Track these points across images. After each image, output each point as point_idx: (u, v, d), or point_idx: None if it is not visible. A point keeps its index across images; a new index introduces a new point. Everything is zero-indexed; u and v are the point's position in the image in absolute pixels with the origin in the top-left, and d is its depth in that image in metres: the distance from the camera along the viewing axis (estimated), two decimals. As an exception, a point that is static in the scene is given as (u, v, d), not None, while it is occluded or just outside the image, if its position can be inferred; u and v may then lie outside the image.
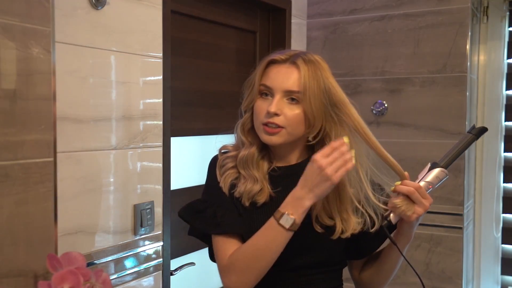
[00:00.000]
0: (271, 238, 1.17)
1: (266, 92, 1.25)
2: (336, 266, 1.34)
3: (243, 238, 1.25)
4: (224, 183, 1.28)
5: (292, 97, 1.23)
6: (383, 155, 1.23)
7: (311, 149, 1.29)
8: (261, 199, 1.26)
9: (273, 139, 1.23)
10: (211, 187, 1.31)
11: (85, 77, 1.51)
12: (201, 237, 1.35)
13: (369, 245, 1.35)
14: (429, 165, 1.27)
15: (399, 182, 1.24)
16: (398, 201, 1.22)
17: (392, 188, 1.24)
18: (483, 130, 1.26)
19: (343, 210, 1.25)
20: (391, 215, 1.24)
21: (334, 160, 1.13)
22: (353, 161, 1.14)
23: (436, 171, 1.25)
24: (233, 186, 1.28)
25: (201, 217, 1.27)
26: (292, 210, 1.15)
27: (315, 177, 1.14)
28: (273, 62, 1.27)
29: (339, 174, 1.13)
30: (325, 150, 1.14)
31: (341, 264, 1.37)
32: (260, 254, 1.18)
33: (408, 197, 1.22)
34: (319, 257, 1.28)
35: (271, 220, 1.17)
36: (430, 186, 1.24)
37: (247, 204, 1.26)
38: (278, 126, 1.22)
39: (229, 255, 1.22)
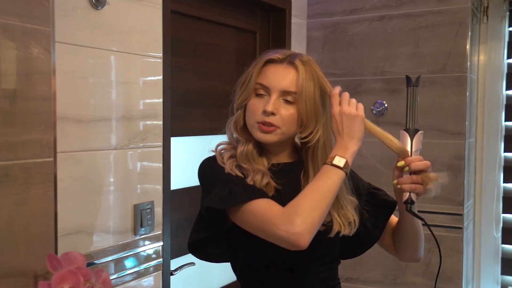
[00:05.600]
0: (330, 179, 1.17)
1: (262, 91, 1.25)
2: (332, 263, 1.35)
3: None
4: (231, 168, 1.25)
5: (287, 97, 1.23)
6: (383, 137, 1.26)
7: (299, 150, 1.33)
8: (269, 192, 1.24)
9: (267, 137, 1.24)
10: (220, 175, 1.25)
11: (85, 77, 1.51)
12: (215, 258, 1.33)
13: (370, 237, 1.36)
14: (405, 133, 1.31)
15: (402, 163, 1.26)
16: (427, 179, 1.24)
17: (400, 163, 1.26)
18: (418, 77, 1.38)
19: (339, 206, 1.26)
20: (412, 196, 1.24)
21: (345, 102, 1.22)
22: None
23: (417, 136, 1.33)
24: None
25: (234, 194, 1.19)
26: (342, 154, 1.19)
27: (343, 122, 1.20)
28: (270, 61, 1.27)
29: (359, 106, 1.23)
30: (335, 100, 1.23)
31: (337, 261, 1.37)
32: (322, 196, 1.16)
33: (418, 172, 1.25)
34: (315, 253, 1.27)
35: (325, 167, 1.19)
36: (417, 151, 1.31)
37: None
38: (273, 125, 1.22)
39: (284, 207, 1.16)
